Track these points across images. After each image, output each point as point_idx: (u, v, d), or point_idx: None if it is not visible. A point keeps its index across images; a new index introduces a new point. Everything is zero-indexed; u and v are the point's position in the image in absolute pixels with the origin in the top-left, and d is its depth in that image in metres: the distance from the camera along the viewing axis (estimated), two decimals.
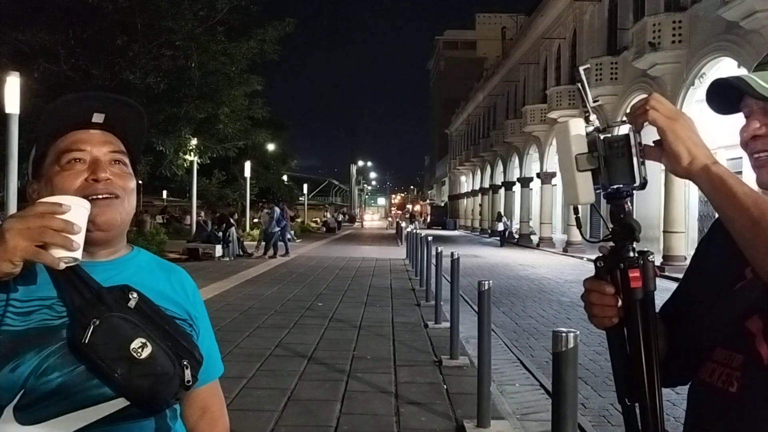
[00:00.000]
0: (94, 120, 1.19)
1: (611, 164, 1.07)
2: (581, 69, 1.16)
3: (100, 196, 1.15)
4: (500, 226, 32.64)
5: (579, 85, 1.14)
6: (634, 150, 1.05)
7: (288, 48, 19.95)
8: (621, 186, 1.07)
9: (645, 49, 17.45)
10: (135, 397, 1.10)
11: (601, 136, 1.09)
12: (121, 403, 1.10)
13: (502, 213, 35.46)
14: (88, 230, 1.13)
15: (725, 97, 1.12)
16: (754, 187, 1.04)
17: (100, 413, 1.08)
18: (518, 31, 39.53)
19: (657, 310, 1.22)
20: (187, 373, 1.16)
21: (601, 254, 1.13)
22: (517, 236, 34.24)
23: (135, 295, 1.15)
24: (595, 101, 1.13)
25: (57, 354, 1.07)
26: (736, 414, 1.02)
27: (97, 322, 1.08)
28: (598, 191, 1.10)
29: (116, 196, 1.17)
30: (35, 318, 1.09)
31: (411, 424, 4.52)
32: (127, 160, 1.23)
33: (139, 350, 1.09)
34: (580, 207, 1.13)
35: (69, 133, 1.18)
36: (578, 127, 1.10)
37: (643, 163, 1.06)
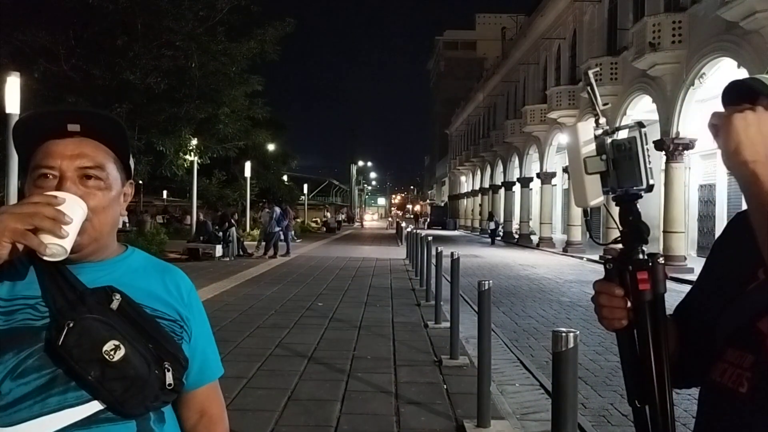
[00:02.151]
0: (69, 129, 1.14)
1: (619, 167, 1.08)
2: (590, 72, 1.16)
3: None
4: (492, 225, 35.00)
5: (588, 88, 1.15)
6: (641, 153, 1.06)
7: (288, 48, 19.93)
8: (629, 188, 1.08)
9: (645, 50, 17.44)
10: (109, 400, 1.09)
11: (609, 139, 1.10)
12: (97, 405, 1.09)
13: (494, 213, 37.90)
14: None
15: (740, 98, 1.12)
16: None
17: (77, 416, 1.08)
18: (518, 31, 39.48)
19: (670, 312, 1.23)
20: (169, 375, 1.14)
21: (609, 256, 1.13)
22: (517, 236, 34.39)
23: (118, 296, 1.14)
24: (605, 104, 1.14)
25: (36, 356, 1.07)
26: (746, 414, 1.02)
27: (72, 324, 1.07)
28: (607, 194, 1.11)
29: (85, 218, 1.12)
30: (18, 317, 1.09)
31: (411, 424, 4.52)
32: (103, 173, 1.16)
33: (112, 352, 1.08)
34: (579, 208, 1.14)
35: (45, 143, 1.14)
36: (587, 130, 1.11)
37: (650, 166, 1.07)
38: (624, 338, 1.12)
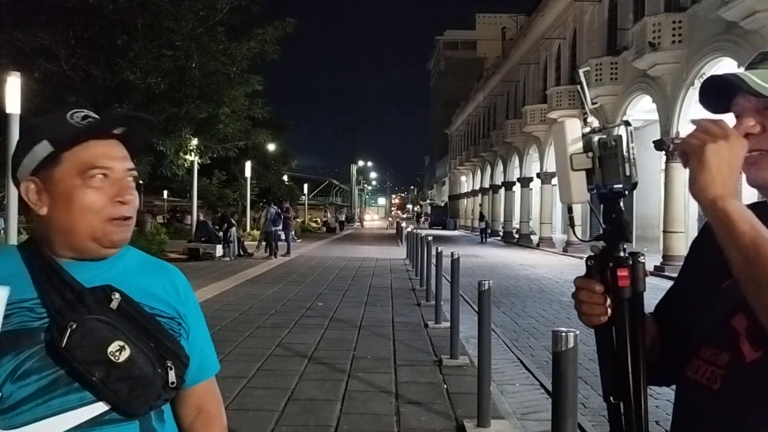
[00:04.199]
0: (115, 131, 1.18)
1: (605, 165, 1.09)
2: (581, 71, 1.18)
3: (124, 216, 1.16)
4: (482, 225, 37.84)
5: (579, 87, 1.17)
6: (626, 151, 1.07)
7: (288, 48, 19.93)
8: (614, 186, 1.09)
9: (645, 49, 17.45)
10: (114, 401, 1.08)
11: (596, 137, 1.11)
12: (101, 407, 1.08)
13: (484, 214, 40.50)
14: (101, 245, 1.14)
15: (717, 96, 1.12)
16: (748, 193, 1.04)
17: (80, 418, 1.07)
18: (518, 31, 39.49)
19: (651, 309, 1.23)
20: (171, 374, 1.14)
21: (592, 253, 1.14)
22: (517, 236, 34.46)
23: (117, 295, 1.13)
24: (593, 103, 1.15)
25: (35, 357, 1.06)
26: (718, 411, 1.02)
27: (74, 326, 1.06)
28: (593, 191, 1.12)
29: (132, 217, 1.19)
30: (14, 320, 1.07)
31: (411, 424, 4.53)
32: (136, 174, 1.22)
33: (117, 353, 1.07)
34: (574, 206, 1.15)
35: (88, 142, 1.13)
36: (574, 128, 1.12)
37: (634, 165, 1.08)
38: (602, 335, 1.14)
